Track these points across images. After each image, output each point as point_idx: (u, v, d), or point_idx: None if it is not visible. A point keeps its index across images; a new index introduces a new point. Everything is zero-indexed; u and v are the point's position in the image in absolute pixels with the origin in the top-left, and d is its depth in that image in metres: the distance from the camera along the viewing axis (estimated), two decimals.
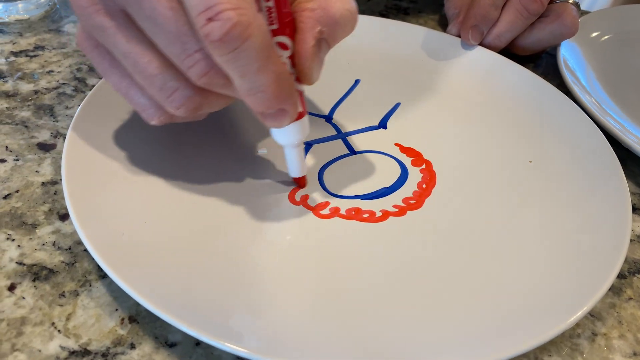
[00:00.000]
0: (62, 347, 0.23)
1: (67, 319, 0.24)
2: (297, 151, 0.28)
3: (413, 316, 0.25)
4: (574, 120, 0.36)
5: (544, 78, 0.39)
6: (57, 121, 0.35)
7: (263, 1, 0.22)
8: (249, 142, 0.33)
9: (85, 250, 0.27)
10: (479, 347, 0.23)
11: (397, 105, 0.38)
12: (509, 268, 0.27)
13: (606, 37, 0.47)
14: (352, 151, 0.34)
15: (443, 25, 0.50)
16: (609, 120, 0.36)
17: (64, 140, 0.29)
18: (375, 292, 0.26)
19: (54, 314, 0.24)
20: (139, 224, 0.27)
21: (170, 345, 0.24)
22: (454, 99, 0.39)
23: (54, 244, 0.27)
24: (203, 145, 0.32)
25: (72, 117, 0.35)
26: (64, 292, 0.25)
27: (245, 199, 0.29)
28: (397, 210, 0.30)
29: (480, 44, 0.42)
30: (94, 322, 0.24)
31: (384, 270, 0.27)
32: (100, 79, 0.34)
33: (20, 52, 0.40)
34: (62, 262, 0.27)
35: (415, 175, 0.32)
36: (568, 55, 0.43)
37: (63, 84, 0.38)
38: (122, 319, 0.24)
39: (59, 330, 0.24)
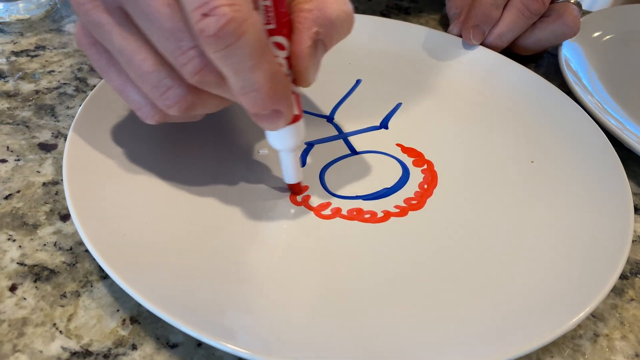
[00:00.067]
0: (64, 348, 0.23)
1: (69, 319, 0.24)
2: (293, 156, 0.28)
3: (414, 316, 0.25)
4: (575, 120, 0.36)
5: (545, 78, 0.39)
6: (58, 121, 0.34)
7: (260, 0, 0.22)
8: (249, 143, 0.33)
9: (87, 250, 0.27)
10: (481, 348, 0.23)
11: (399, 105, 0.38)
12: (511, 269, 0.27)
13: (608, 37, 0.47)
14: (354, 151, 0.34)
15: (444, 25, 0.50)
16: (610, 120, 0.36)
17: (65, 140, 0.29)
18: (376, 293, 0.26)
19: (56, 314, 0.24)
20: (140, 224, 0.27)
21: (172, 346, 0.24)
22: (456, 99, 0.39)
23: (55, 244, 0.27)
24: (204, 146, 0.32)
25: (73, 117, 0.35)
26: (65, 292, 0.25)
27: (247, 199, 0.29)
28: (398, 210, 0.30)
29: (482, 44, 0.42)
30: (95, 322, 0.24)
31: (385, 271, 0.27)
32: (102, 79, 0.34)
33: (21, 52, 0.40)
34: (64, 262, 0.27)
35: (416, 175, 0.32)
36: (570, 55, 0.42)
37: (64, 83, 0.38)
38: (124, 320, 0.24)
39: (60, 331, 0.24)
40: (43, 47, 0.41)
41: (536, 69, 0.45)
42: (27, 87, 0.37)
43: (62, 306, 0.25)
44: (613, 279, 0.25)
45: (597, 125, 0.35)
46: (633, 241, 0.31)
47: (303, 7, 0.23)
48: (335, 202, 0.30)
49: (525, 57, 0.45)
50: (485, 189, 0.32)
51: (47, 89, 0.37)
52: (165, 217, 0.28)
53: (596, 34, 0.47)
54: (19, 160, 0.32)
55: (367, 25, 0.44)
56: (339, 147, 0.34)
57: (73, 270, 0.26)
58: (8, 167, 0.31)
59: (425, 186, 0.32)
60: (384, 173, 0.32)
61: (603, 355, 0.25)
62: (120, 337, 0.24)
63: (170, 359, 0.23)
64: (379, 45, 0.43)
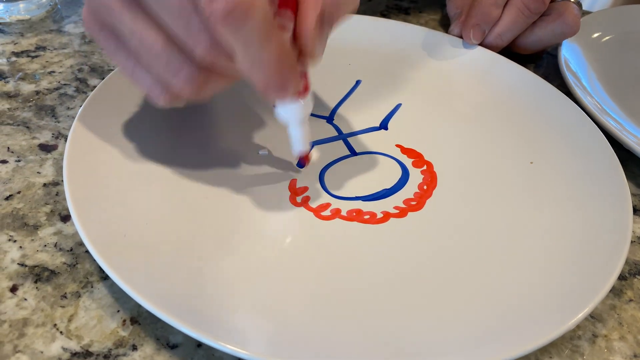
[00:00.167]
0: (64, 349, 0.23)
1: (69, 320, 0.24)
2: (301, 128, 0.28)
3: (413, 317, 0.25)
4: (574, 121, 0.36)
5: (545, 79, 0.39)
6: (58, 122, 0.35)
7: None
8: (249, 143, 0.33)
9: (87, 251, 0.27)
10: (480, 349, 0.23)
11: (398, 106, 0.38)
12: (510, 269, 0.27)
13: (607, 37, 0.47)
14: (353, 152, 0.34)
15: (444, 25, 0.50)
16: (609, 121, 0.36)
17: (66, 141, 0.29)
18: (375, 293, 0.26)
19: (56, 315, 0.24)
20: (140, 225, 0.27)
21: (172, 347, 0.24)
22: (455, 100, 0.39)
23: (55, 245, 0.27)
24: (204, 147, 0.32)
25: (73, 117, 0.35)
26: (65, 293, 0.25)
27: (247, 200, 0.29)
28: (398, 211, 0.30)
29: (482, 44, 0.42)
30: (95, 323, 0.24)
31: (384, 272, 0.27)
32: (102, 79, 0.34)
33: (22, 52, 0.40)
34: (64, 263, 0.27)
35: (416, 176, 0.32)
36: (569, 55, 0.43)
37: (64, 84, 0.38)
38: (124, 321, 0.25)
39: (60, 332, 0.24)
40: (43, 48, 0.41)
41: (536, 70, 0.45)
42: (27, 87, 0.37)
43: (63, 307, 0.25)
44: (612, 280, 0.25)
45: (596, 126, 0.35)
46: (632, 242, 0.31)
47: None
48: (335, 203, 0.30)
49: (524, 57, 0.45)
50: (485, 190, 0.32)
51: (47, 89, 0.37)
52: (165, 218, 0.28)
53: (596, 35, 0.47)
54: (19, 161, 0.32)
55: (367, 26, 0.44)
56: (339, 148, 0.34)
57: (73, 271, 0.26)
58: (8, 168, 0.31)
59: (425, 187, 0.32)
60: (384, 174, 0.32)
61: (601, 356, 0.25)
62: (120, 337, 0.24)
63: None
64: (379, 46, 0.43)
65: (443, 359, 0.23)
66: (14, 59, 0.40)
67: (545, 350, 0.25)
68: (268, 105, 0.36)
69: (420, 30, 0.44)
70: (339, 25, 0.27)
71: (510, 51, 0.44)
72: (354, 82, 0.40)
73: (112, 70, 0.38)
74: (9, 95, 0.36)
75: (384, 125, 0.36)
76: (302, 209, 0.30)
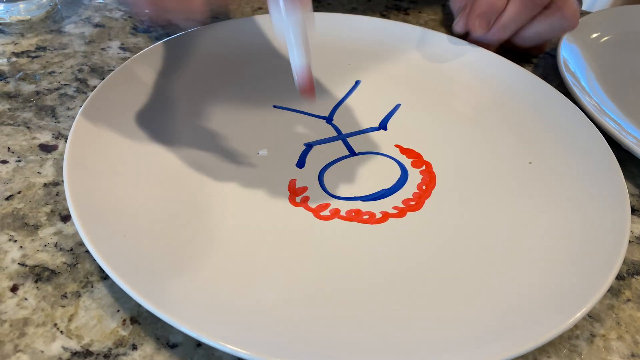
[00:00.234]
0: (65, 348, 0.23)
1: (69, 320, 0.24)
2: (298, 29, 0.27)
3: (412, 317, 0.25)
4: (573, 121, 0.36)
5: (543, 79, 0.39)
6: (58, 122, 0.35)
7: None
8: (248, 144, 0.33)
9: (87, 251, 0.27)
10: (478, 348, 0.23)
11: (398, 106, 0.38)
12: (508, 269, 0.27)
13: (606, 38, 0.47)
14: (353, 152, 0.34)
15: (444, 25, 0.50)
16: (608, 121, 0.36)
17: (66, 141, 0.30)
18: (375, 293, 0.26)
19: (56, 315, 0.25)
20: (140, 225, 0.27)
21: (172, 346, 0.24)
22: (454, 101, 0.39)
23: (55, 245, 0.28)
24: (204, 147, 0.33)
25: (73, 118, 0.35)
26: (66, 293, 0.25)
27: (246, 200, 0.30)
28: (397, 211, 0.30)
29: (485, 36, 0.42)
30: (95, 323, 0.24)
31: (383, 272, 0.27)
32: (102, 79, 0.34)
33: (22, 52, 0.40)
34: (64, 263, 0.27)
35: (415, 176, 0.32)
36: (568, 56, 0.43)
37: (64, 84, 0.38)
38: (124, 320, 0.25)
39: (61, 331, 0.24)
40: (44, 48, 0.41)
41: (534, 70, 0.45)
42: (27, 88, 0.37)
43: (63, 306, 0.25)
44: (609, 280, 0.25)
45: (594, 127, 0.35)
46: (630, 242, 0.31)
47: None
48: (334, 203, 0.30)
49: (523, 57, 0.45)
50: (483, 190, 0.32)
51: (47, 89, 0.37)
52: (165, 218, 0.28)
53: (594, 35, 0.47)
54: (19, 161, 0.32)
55: (366, 26, 0.44)
56: (338, 148, 0.34)
57: (74, 271, 0.26)
58: (9, 168, 0.31)
59: (424, 187, 0.32)
60: (383, 174, 0.32)
61: (599, 356, 0.25)
62: (120, 337, 0.24)
63: (170, 359, 0.24)
64: (379, 46, 0.43)
65: (442, 359, 0.23)
66: (14, 59, 0.40)
67: (543, 349, 0.25)
68: (268, 105, 0.37)
69: (419, 30, 0.44)
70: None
71: (509, 49, 0.44)
72: (354, 83, 0.40)
73: (112, 70, 0.39)
74: (9, 96, 0.36)
75: (383, 126, 0.36)
76: (302, 209, 0.30)
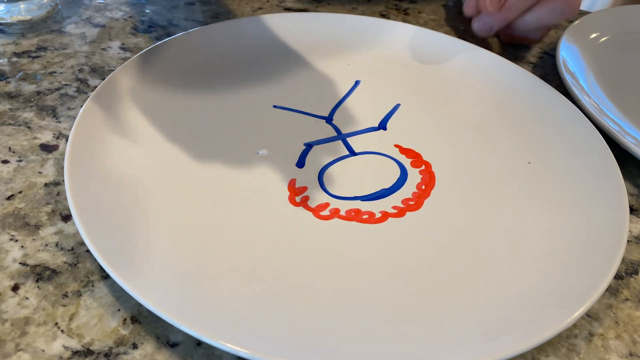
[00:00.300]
0: (66, 347, 0.24)
1: (70, 319, 0.25)
2: None
3: (411, 316, 0.25)
4: (572, 121, 0.36)
5: (543, 79, 0.40)
6: (59, 122, 0.35)
7: None
8: (249, 144, 0.33)
9: (88, 250, 0.27)
10: (477, 348, 0.23)
11: (397, 106, 0.38)
12: (507, 269, 0.27)
13: (605, 38, 0.47)
14: (352, 152, 0.34)
15: (443, 25, 0.50)
16: (607, 121, 0.36)
17: (67, 141, 0.30)
18: (374, 293, 0.26)
19: (57, 314, 0.25)
20: (140, 224, 0.27)
21: (172, 345, 0.24)
22: (454, 100, 0.39)
23: (56, 244, 0.28)
24: (203, 146, 0.33)
25: (74, 118, 0.35)
26: (66, 292, 0.26)
27: (246, 200, 0.30)
28: (396, 211, 0.30)
29: (491, 17, 0.42)
30: (96, 322, 0.25)
31: (383, 271, 0.27)
32: (103, 79, 0.34)
33: (23, 52, 0.41)
34: (65, 262, 0.27)
35: (414, 176, 0.33)
36: (567, 56, 0.43)
37: (65, 84, 0.38)
38: (125, 319, 0.25)
39: (62, 331, 0.24)
40: (44, 48, 0.41)
41: (534, 70, 0.45)
42: (28, 88, 0.37)
43: (64, 306, 0.25)
44: (608, 279, 0.26)
45: (593, 127, 0.35)
46: (628, 241, 0.31)
47: None
48: (334, 203, 0.30)
49: (522, 58, 0.46)
50: (483, 190, 0.32)
51: (48, 89, 0.37)
52: (165, 218, 0.28)
53: (593, 35, 0.47)
54: (20, 161, 0.32)
55: (366, 26, 0.44)
56: (338, 148, 0.34)
57: (74, 270, 0.27)
58: (10, 168, 0.31)
59: (423, 187, 0.32)
60: (382, 174, 0.33)
61: (597, 355, 0.26)
62: (121, 336, 0.24)
63: (170, 358, 0.24)
64: (378, 47, 0.43)
65: (440, 358, 0.23)
66: (15, 59, 0.40)
67: (541, 348, 0.25)
68: (268, 105, 0.37)
69: (419, 30, 0.44)
70: None
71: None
72: (353, 83, 0.40)
73: (113, 70, 0.39)
74: (10, 96, 0.36)
75: (382, 126, 0.36)
76: (301, 208, 0.30)
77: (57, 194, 0.30)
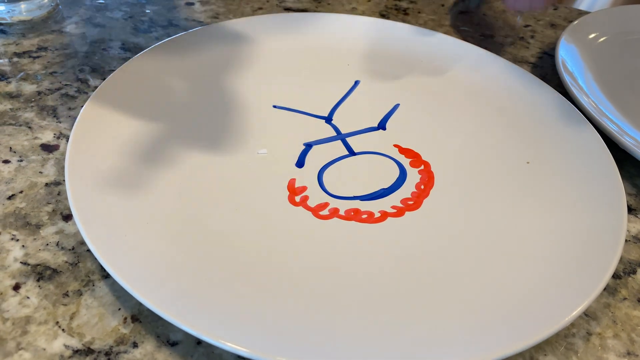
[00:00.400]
0: (66, 346, 0.24)
1: (71, 318, 0.25)
2: None
3: (409, 316, 0.25)
4: (571, 121, 0.36)
5: (542, 79, 0.40)
6: (60, 122, 0.35)
7: None
8: (249, 143, 0.34)
9: (88, 250, 0.28)
10: (475, 346, 0.23)
11: (396, 106, 0.38)
12: (505, 268, 0.28)
13: (604, 38, 0.47)
14: (352, 152, 0.34)
15: (443, 25, 0.50)
16: (606, 121, 0.36)
17: (67, 141, 0.30)
18: (373, 292, 0.26)
19: (58, 313, 0.25)
20: (140, 224, 0.27)
21: (172, 344, 0.24)
22: (453, 100, 0.39)
23: (57, 244, 0.28)
24: (204, 146, 0.33)
25: (75, 118, 0.35)
26: (67, 291, 0.26)
27: (245, 199, 0.30)
28: (395, 211, 0.30)
29: None
30: (97, 321, 0.25)
31: (382, 271, 0.27)
32: (103, 79, 0.35)
33: (23, 53, 0.41)
34: (66, 262, 0.27)
35: (413, 176, 0.33)
36: (566, 56, 0.43)
37: (66, 84, 0.38)
38: (125, 318, 0.25)
39: (63, 329, 0.24)
40: (45, 48, 0.41)
41: (533, 70, 0.45)
42: (29, 88, 0.37)
43: (65, 305, 0.25)
44: (606, 278, 0.26)
45: (592, 127, 0.35)
46: (626, 241, 0.31)
47: None
48: (333, 203, 0.30)
49: (521, 58, 0.46)
50: (481, 189, 0.32)
51: (49, 90, 0.37)
52: (165, 217, 0.28)
53: (592, 35, 0.47)
54: (21, 160, 0.32)
55: (366, 26, 0.44)
56: (337, 148, 0.34)
57: (75, 270, 0.27)
58: (11, 168, 0.31)
59: (422, 187, 0.32)
60: (382, 174, 0.33)
61: (595, 354, 0.26)
62: (121, 335, 0.24)
63: (171, 357, 0.24)
64: (378, 47, 0.43)
65: (438, 357, 0.23)
66: (15, 59, 0.40)
67: (540, 347, 0.26)
68: (268, 105, 0.37)
69: (419, 30, 0.44)
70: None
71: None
72: (353, 83, 0.40)
73: (113, 70, 0.39)
74: (11, 96, 0.37)
75: (382, 126, 0.36)
76: (301, 208, 0.30)
77: (58, 194, 0.30)
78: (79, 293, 0.26)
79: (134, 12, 0.48)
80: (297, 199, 0.30)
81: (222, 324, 0.23)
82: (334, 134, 0.35)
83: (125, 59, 0.41)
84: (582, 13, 0.56)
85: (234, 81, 0.39)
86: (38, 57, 0.40)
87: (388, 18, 0.50)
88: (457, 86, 0.41)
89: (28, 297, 0.25)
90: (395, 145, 0.35)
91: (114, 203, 0.28)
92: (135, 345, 0.24)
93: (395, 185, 0.32)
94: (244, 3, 0.51)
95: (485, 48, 0.43)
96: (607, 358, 0.26)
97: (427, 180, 0.32)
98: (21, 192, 0.30)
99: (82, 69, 0.40)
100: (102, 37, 0.44)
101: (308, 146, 0.34)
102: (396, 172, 0.33)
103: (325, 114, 0.37)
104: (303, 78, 0.40)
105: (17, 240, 0.28)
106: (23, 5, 0.44)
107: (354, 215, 0.30)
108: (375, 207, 0.30)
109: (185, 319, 0.22)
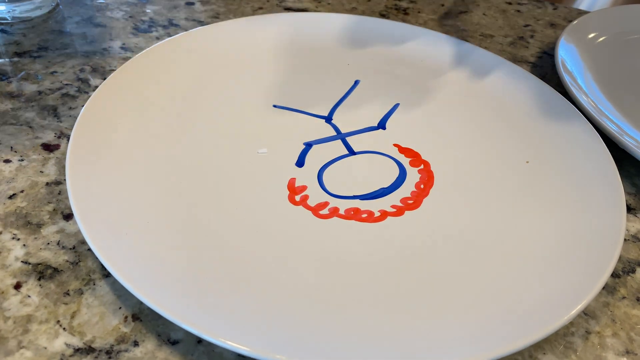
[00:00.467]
0: (67, 345, 0.24)
1: (72, 317, 0.25)
2: None
3: (409, 315, 0.25)
4: (570, 120, 0.36)
5: (541, 79, 0.40)
6: (60, 122, 0.35)
7: None
8: (249, 143, 0.34)
9: (89, 249, 0.28)
10: (474, 345, 0.23)
11: (396, 106, 0.38)
12: (504, 267, 0.28)
13: (603, 38, 0.48)
14: (352, 151, 0.34)
15: (443, 25, 0.50)
16: (605, 121, 0.36)
17: (68, 140, 0.30)
18: (373, 292, 0.26)
19: (59, 312, 0.25)
20: (141, 223, 0.27)
21: (173, 343, 0.24)
22: (452, 100, 0.39)
23: (58, 243, 0.28)
24: (204, 146, 0.33)
25: (75, 117, 0.35)
26: (68, 290, 0.26)
27: (245, 199, 0.30)
28: (395, 210, 0.30)
29: None
30: (98, 320, 0.25)
31: (382, 270, 0.27)
32: (104, 79, 0.35)
33: (24, 52, 0.41)
34: (67, 261, 0.27)
35: (413, 175, 0.33)
36: (566, 56, 0.43)
37: (66, 84, 0.38)
38: (126, 317, 0.25)
39: (64, 328, 0.24)
40: (45, 48, 0.42)
41: (533, 70, 0.46)
42: (30, 87, 0.38)
43: (66, 304, 0.25)
44: (605, 277, 0.26)
45: (591, 126, 0.35)
46: (625, 240, 0.32)
47: None
48: (333, 202, 0.30)
49: (521, 57, 0.46)
50: (481, 189, 0.32)
51: (49, 89, 0.38)
52: (166, 216, 0.28)
53: (592, 35, 0.47)
54: (22, 160, 0.32)
55: (366, 26, 0.44)
56: (337, 148, 0.34)
57: (76, 269, 0.27)
58: (12, 167, 0.32)
59: (422, 186, 0.32)
60: (381, 173, 0.33)
61: (594, 352, 0.26)
62: (122, 333, 0.24)
63: (171, 356, 0.24)
64: (378, 46, 0.43)
65: (437, 356, 0.23)
66: (16, 59, 0.40)
67: (539, 346, 0.26)
68: (268, 105, 0.37)
69: (419, 30, 0.44)
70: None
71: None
72: (353, 82, 0.40)
73: (114, 70, 0.39)
74: (11, 95, 0.37)
75: (382, 125, 0.36)
76: (301, 207, 0.30)
77: (59, 193, 0.30)
78: (80, 292, 0.26)
79: (134, 12, 0.48)
80: (297, 198, 0.30)
81: (222, 322, 0.23)
82: (334, 133, 0.35)
83: (126, 59, 0.41)
84: (581, 13, 0.56)
85: (234, 81, 0.39)
86: (39, 56, 0.41)
87: (388, 18, 0.50)
88: (457, 86, 0.41)
89: (29, 296, 0.25)
90: (395, 145, 0.35)
91: (114, 202, 0.28)
92: (136, 344, 0.24)
93: (395, 185, 0.32)
94: (244, 3, 0.51)
95: (485, 48, 0.43)
96: (606, 357, 0.26)
97: (427, 179, 0.33)
98: (22, 191, 0.30)
99: (82, 68, 0.40)
100: (102, 37, 0.44)
101: (308, 145, 0.34)
102: (396, 172, 0.33)
103: (325, 114, 0.37)
104: (303, 78, 0.40)
105: (18, 239, 0.28)
106: (24, 5, 0.44)
107: (353, 215, 0.30)
108: (375, 206, 0.31)
109: (186, 317, 0.22)
